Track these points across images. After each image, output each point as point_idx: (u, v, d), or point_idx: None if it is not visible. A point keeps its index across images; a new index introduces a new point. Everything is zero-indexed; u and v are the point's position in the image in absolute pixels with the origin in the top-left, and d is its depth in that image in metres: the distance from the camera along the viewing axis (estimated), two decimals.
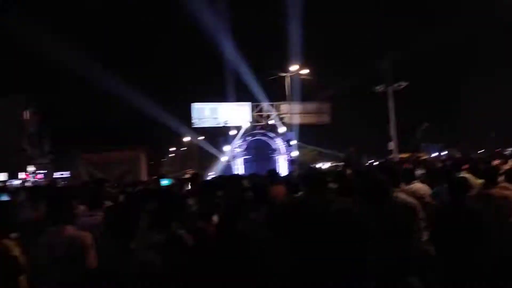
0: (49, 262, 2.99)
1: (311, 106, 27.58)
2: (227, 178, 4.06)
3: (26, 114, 42.94)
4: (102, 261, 2.91)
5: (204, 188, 4.14)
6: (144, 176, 31.16)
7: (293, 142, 26.10)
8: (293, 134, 26.24)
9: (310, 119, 27.21)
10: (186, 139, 49.98)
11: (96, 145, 38.17)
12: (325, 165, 25.14)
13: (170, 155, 59.20)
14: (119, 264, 2.57)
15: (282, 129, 26.34)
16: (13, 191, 6.99)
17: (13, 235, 3.84)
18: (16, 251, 3.64)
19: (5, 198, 5.24)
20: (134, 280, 2.51)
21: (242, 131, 26.32)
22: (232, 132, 26.52)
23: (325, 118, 27.59)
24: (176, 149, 56.68)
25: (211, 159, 31.36)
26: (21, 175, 34.43)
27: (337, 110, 28.10)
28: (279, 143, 26.59)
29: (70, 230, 3.12)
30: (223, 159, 26.21)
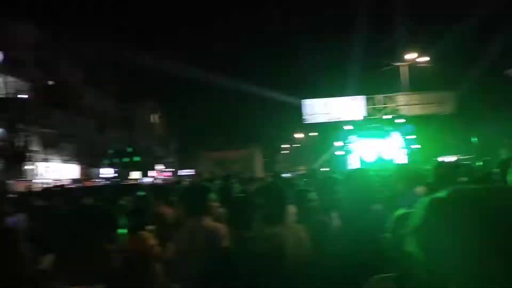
0: (189, 251, 3.23)
1: (431, 95, 25.68)
2: (347, 173, 3.96)
3: (154, 118, 47.40)
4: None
5: (323, 183, 4.11)
6: (259, 173, 32.11)
7: (412, 136, 24.60)
8: (412, 126, 24.74)
9: (431, 110, 25.36)
10: (298, 135, 50.34)
11: (215, 144, 40.51)
12: (450, 158, 23.24)
13: (282, 152, 60.23)
14: (236, 251, 2.72)
15: (399, 122, 25.00)
16: (146, 188, 7.72)
17: (149, 227, 4.24)
18: (153, 241, 4.01)
19: (141, 193, 5.81)
20: (247, 266, 2.66)
21: (356, 125, 25.64)
22: (346, 127, 25.98)
23: (448, 108, 25.47)
24: (288, 146, 57.40)
25: (324, 155, 31.08)
26: (151, 173, 37.95)
27: (463, 98, 25.73)
28: (396, 137, 25.30)
29: (207, 221, 3.34)
30: (337, 154, 25.83)
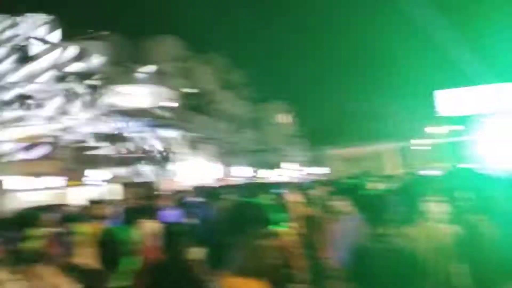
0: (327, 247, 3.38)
1: None
2: (500, 171, 3.62)
3: (285, 118, 48.70)
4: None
5: (471, 182, 3.82)
6: (393, 170, 30.73)
7: None
8: None
9: None
10: (435, 129, 46.71)
11: (345, 141, 39.95)
12: None
13: (418, 148, 56.47)
14: (369, 248, 2.83)
15: None
16: (282, 186, 8.01)
17: (288, 224, 4.44)
18: (294, 238, 4.20)
19: (278, 191, 6.09)
20: (379, 260, 2.70)
21: (503, 117, 22.84)
22: (491, 119, 23.30)
23: None
24: (424, 141, 53.57)
25: (462, 151, 28.32)
26: (283, 171, 38.96)
27: None
28: None
29: (345, 219, 3.45)
30: (481, 149, 23.33)
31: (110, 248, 2.26)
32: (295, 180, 22.51)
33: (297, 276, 3.79)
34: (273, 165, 38.80)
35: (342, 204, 4.61)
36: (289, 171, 39.65)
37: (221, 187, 10.55)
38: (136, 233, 3.81)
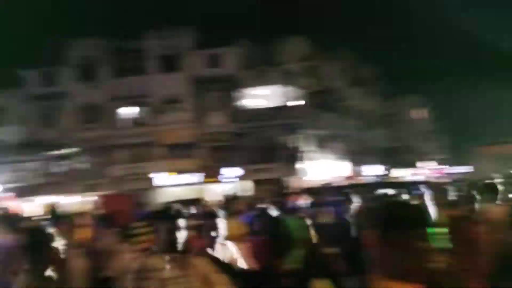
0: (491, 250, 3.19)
1: None
2: None
3: (419, 113, 45.80)
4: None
5: None
6: None
7: None
8: None
9: None
10: None
11: (496, 137, 36.02)
12: None
13: None
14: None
15: None
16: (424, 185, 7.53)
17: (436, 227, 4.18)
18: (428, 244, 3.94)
19: (420, 191, 5.73)
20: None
21: None
22: None
23: None
24: None
25: None
26: (414, 170, 36.54)
27: None
28: None
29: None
30: None
31: (281, 237, 2.38)
32: (433, 180, 20.98)
33: (446, 281, 3.54)
34: (408, 164, 36.70)
35: (490, 207, 4.25)
36: (426, 170, 37.09)
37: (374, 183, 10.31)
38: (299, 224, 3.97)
